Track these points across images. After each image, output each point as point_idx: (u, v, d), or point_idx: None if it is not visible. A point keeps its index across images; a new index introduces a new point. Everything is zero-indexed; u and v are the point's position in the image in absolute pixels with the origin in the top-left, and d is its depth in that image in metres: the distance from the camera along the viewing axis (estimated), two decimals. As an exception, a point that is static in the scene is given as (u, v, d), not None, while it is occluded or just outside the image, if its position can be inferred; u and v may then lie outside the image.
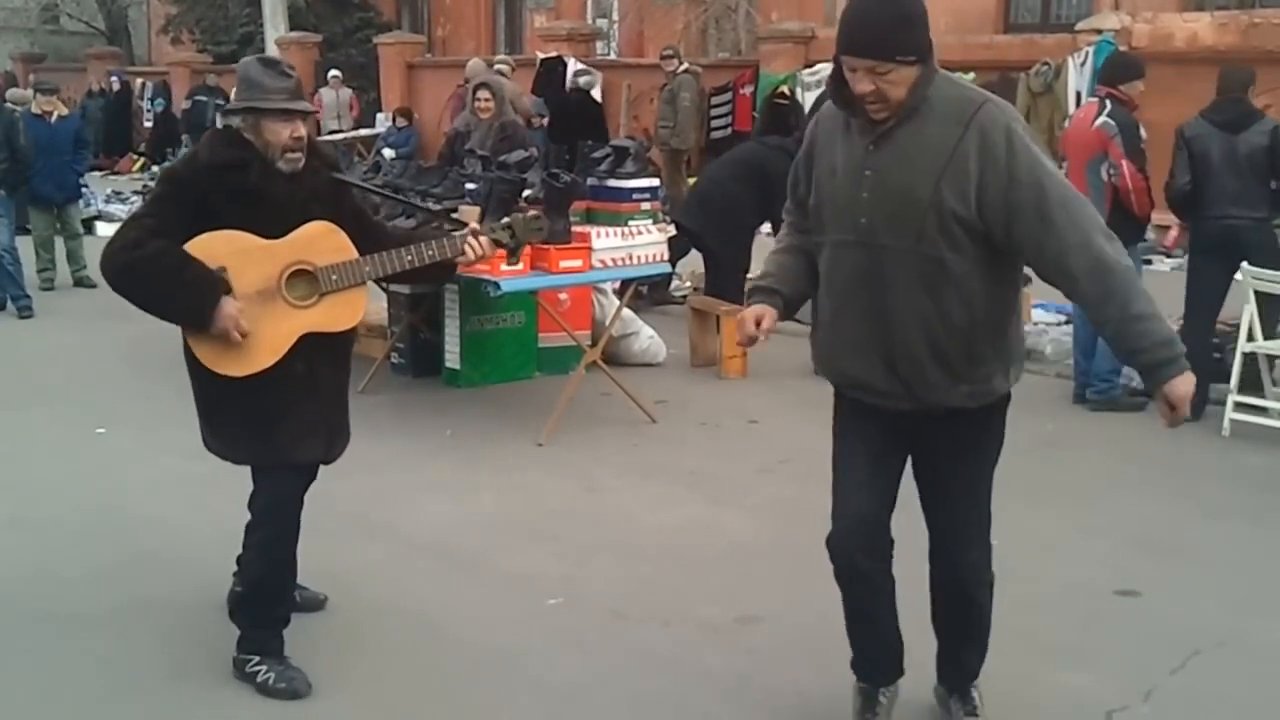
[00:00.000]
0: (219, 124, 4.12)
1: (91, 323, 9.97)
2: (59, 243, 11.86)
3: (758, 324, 3.49)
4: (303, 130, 4.03)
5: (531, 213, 4.59)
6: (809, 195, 3.50)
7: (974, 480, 3.58)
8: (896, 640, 3.76)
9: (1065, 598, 4.89)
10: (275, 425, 4.01)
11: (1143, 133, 7.39)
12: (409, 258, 4.16)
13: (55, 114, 11.79)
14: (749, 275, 3.39)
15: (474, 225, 4.41)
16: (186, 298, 3.85)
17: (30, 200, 11.63)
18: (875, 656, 3.78)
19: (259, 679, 4.07)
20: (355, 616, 4.66)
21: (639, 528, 5.63)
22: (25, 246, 11.01)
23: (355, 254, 4.08)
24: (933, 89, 3.24)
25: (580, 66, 16.93)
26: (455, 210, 7.19)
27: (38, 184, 11.43)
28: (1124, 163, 7.19)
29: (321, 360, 4.08)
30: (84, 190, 12.93)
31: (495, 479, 6.27)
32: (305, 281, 4.01)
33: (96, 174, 20.05)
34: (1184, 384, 3.15)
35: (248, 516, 4.16)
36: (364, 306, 4.21)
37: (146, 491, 5.96)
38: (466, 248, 4.24)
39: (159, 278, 3.83)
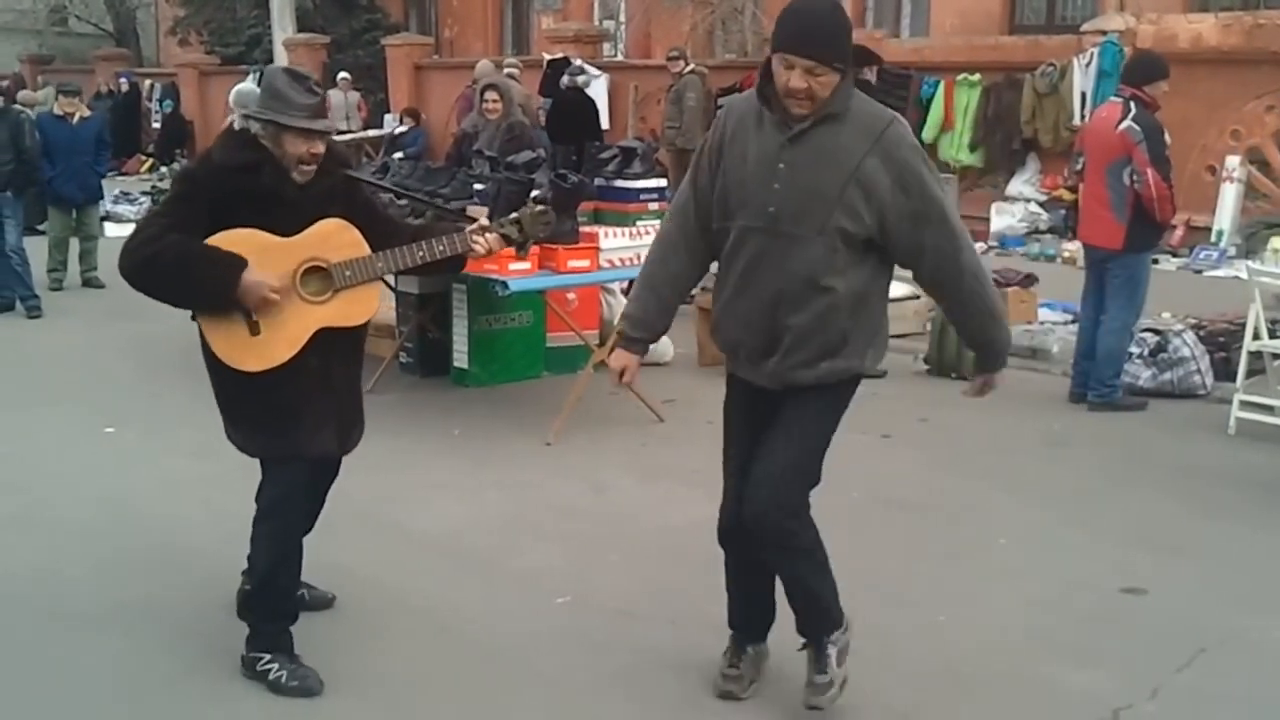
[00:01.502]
0: (236, 125, 4.15)
1: (100, 323, 10.01)
2: (73, 244, 11.91)
3: (624, 375, 3.97)
4: (321, 148, 4.07)
5: (539, 207, 4.60)
6: (712, 184, 3.73)
7: (803, 433, 3.80)
8: (769, 608, 4.11)
9: (1071, 596, 4.91)
10: (290, 419, 4.06)
11: (1167, 137, 7.38)
12: (420, 253, 4.20)
13: (78, 115, 11.86)
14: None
15: (483, 221, 4.44)
16: (210, 277, 3.90)
17: (52, 200, 11.71)
18: (739, 613, 4.16)
19: (271, 677, 4.08)
20: (363, 615, 4.68)
21: (647, 527, 5.65)
22: (33, 246, 11.04)
23: (368, 250, 4.13)
24: (853, 102, 3.58)
25: (576, 64, 16.87)
26: (463, 210, 7.21)
27: (59, 185, 11.51)
28: (1149, 171, 7.16)
29: (334, 355, 4.13)
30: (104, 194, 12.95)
31: (503, 478, 6.29)
32: (319, 278, 4.06)
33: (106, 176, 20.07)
34: (1001, 377, 3.88)
35: (255, 511, 4.19)
36: (377, 302, 4.25)
37: (155, 490, 5.99)
38: (475, 243, 4.28)
39: (179, 265, 3.88)
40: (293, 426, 4.07)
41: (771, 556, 3.88)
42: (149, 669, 4.27)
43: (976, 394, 3.96)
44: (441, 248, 4.24)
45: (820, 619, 3.93)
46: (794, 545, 3.81)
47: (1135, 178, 7.20)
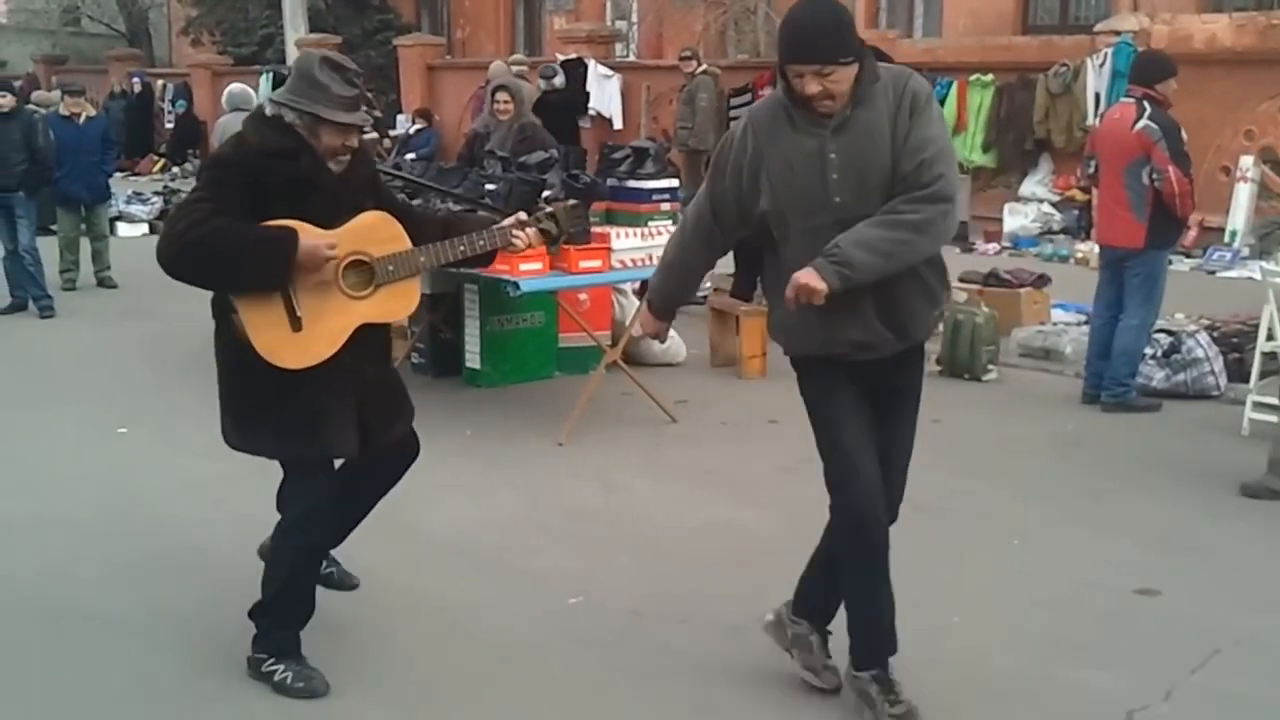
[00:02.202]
0: (267, 111, 3.99)
1: (113, 323, 10.04)
2: (84, 244, 11.93)
3: (656, 336, 4.20)
4: (355, 142, 4.01)
5: (571, 202, 4.56)
6: (754, 197, 3.75)
7: (913, 416, 3.95)
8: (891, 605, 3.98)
9: (1084, 597, 4.89)
10: (320, 419, 3.97)
11: (1184, 134, 7.37)
12: (461, 248, 4.13)
13: (83, 115, 11.90)
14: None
15: (521, 215, 4.33)
16: (267, 251, 3.80)
17: (59, 200, 11.75)
18: (889, 629, 3.94)
19: (276, 678, 4.07)
20: (375, 614, 4.68)
21: (659, 527, 5.64)
22: (46, 247, 11.07)
23: (409, 243, 4.05)
24: (879, 77, 3.66)
25: (546, 65, 16.68)
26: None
27: (66, 184, 11.53)
28: (1170, 168, 7.15)
29: (365, 352, 4.05)
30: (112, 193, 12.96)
31: (515, 479, 6.29)
32: (360, 272, 3.98)
33: (118, 175, 20.12)
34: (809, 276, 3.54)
35: (268, 515, 4.17)
36: (417, 297, 4.18)
37: (168, 491, 6.00)
38: (515, 238, 4.22)
39: (231, 245, 3.77)
40: (321, 427, 3.97)
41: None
42: (162, 669, 4.28)
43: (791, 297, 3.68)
44: (481, 242, 4.17)
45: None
46: None
47: (1156, 176, 7.18)
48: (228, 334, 3.95)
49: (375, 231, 4.01)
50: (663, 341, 4.50)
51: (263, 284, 3.85)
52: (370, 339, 4.05)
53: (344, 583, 4.68)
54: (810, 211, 3.67)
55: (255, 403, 4.00)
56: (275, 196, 3.85)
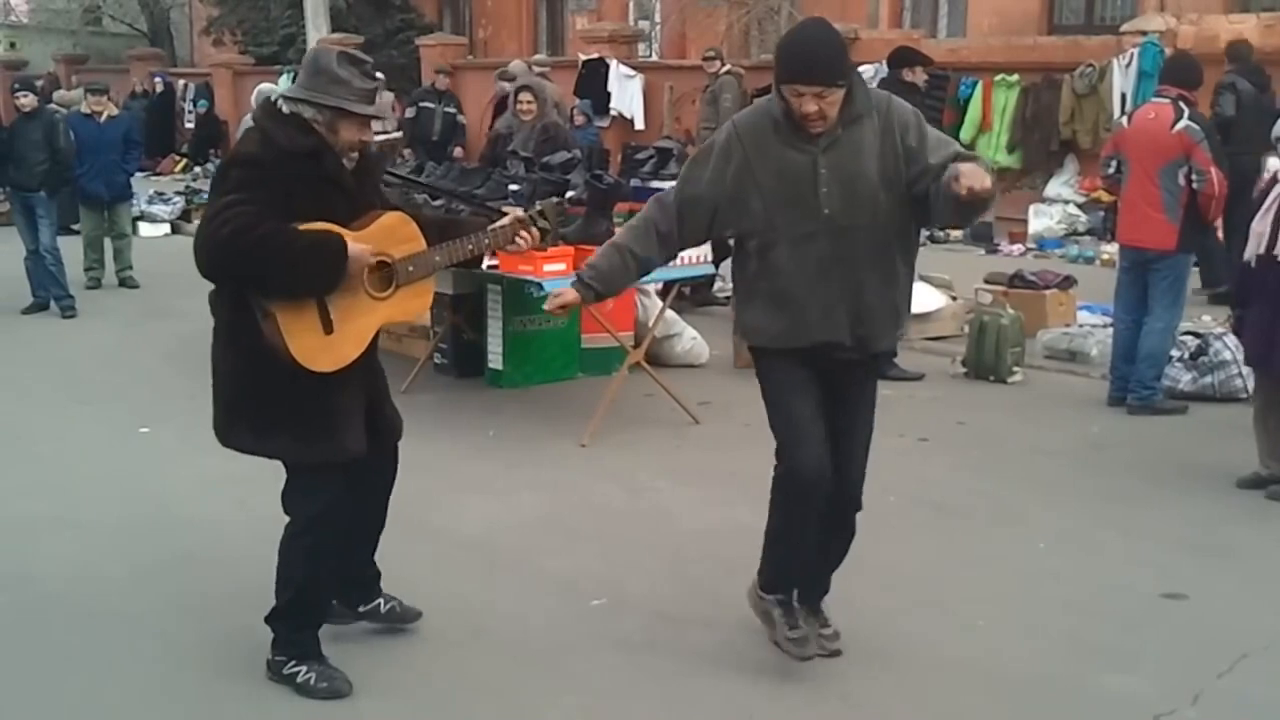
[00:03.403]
0: (284, 108, 3.95)
1: (135, 322, 10.07)
2: (106, 243, 11.97)
3: (564, 308, 4.22)
4: (371, 135, 4.05)
5: (553, 199, 4.68)
6: (734, 204, 4.00)
7: (868, 414, 4.22)
8: (813, 559, 4.29)
9: (1111, 600, 4.86)
10: (341, 420, 3.98)
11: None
12: (470, 246, 4.17)
13: (105, 114, 11.94)
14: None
15: (518, 214, 4.38)
16: (319, 257, 3.80)
17: (81, 199, 11.81)
18: (800, 568, 4.27)
19: (299, 680, 4.06)
20: (399, 615, 4.67)
21: (682, 529, 5.63)
22: (68, 247, 11.11)
23: (423, 244, 4.07)
24: (867, 99, 3.94)
25: (506, 68, 16.50)
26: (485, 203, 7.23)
27: (87, 183, 11.59)
28: (1213, 169, 7.11)
29: (374, 351, 4.11)
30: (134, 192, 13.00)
31: (538, 479, 6.28)
32: (381, 273, 4.00)
33: (140, 174, 20.20)
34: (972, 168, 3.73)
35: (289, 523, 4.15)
36: (431, 296, 4.23)
37: (190, 491, 6.01)
38: (520, 237, 4.25)
39: (283, 251, 3.75)
40: (337, 429, 3.97)
41: (847, 530, 4.27)
42: (184, 669, 4.28)
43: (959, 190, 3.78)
44: (488, 241, 4.23)
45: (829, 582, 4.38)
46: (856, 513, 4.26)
47: (1196, 177, 7.13)
48: (245, 338, 3.91)
49: (395, 232, 4.04)
50: (563, 318, 4.61)
51: (314, 289, 3.86)
52: (376, 338, 4.12)
53: (406, 616, 4.53)
54: (799, 220, 3.93)
55: (272, 406, 3.97)
56: (303, 195, 3.85)
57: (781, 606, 4.24)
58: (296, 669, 4.08)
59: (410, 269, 4.03)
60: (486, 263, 6.95)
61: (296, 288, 3.83)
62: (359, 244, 3.88)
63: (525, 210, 4.43)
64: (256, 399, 3.99)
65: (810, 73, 3.81)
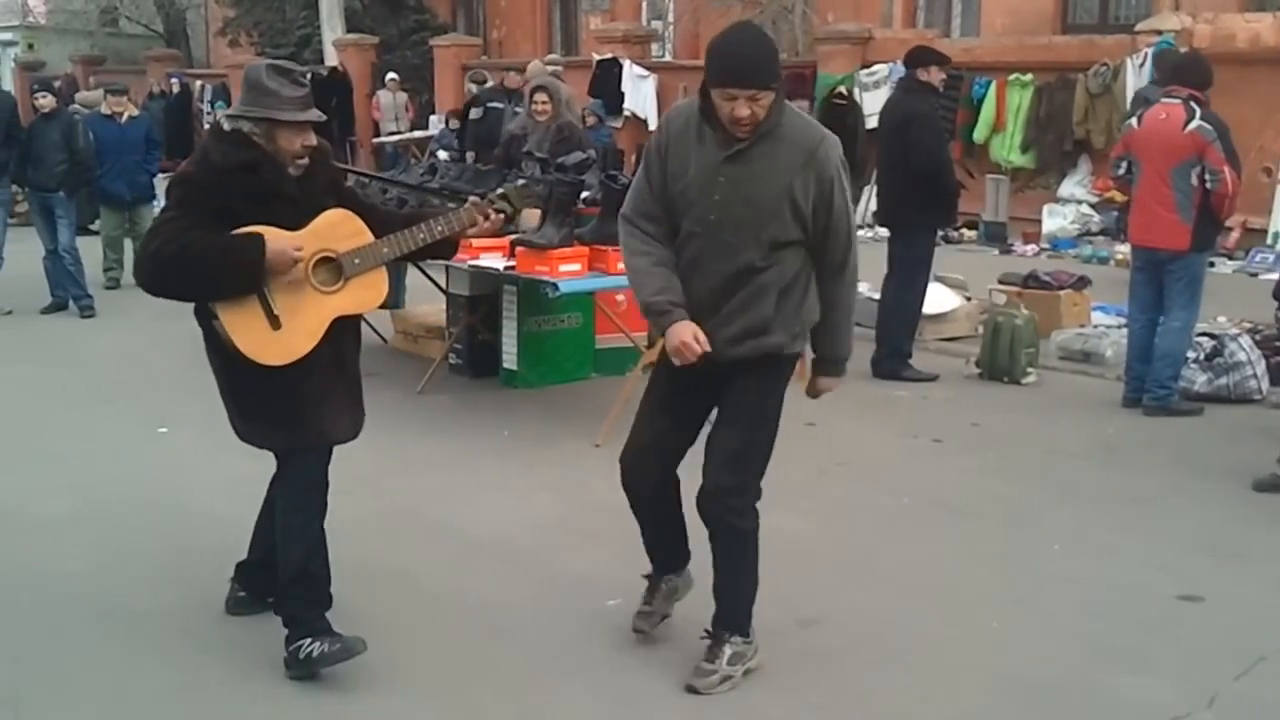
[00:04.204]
0: (225, 125, 4.14)
1: (153, 322, 10.06)
2: (126, 243, 12.04)
3: (698, 340, 3.97)
4: (313, 139, 4.15)
5: (520, 181, 4.79)
6: (662, 183, 4.04)
7: (747, 416, 4.12)
8: (671, 546, 4.41)
9: (1127, 602, 4.85)
10: (313, 409, 4.14)
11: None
12: (422, 235, 4.30)
13: (126, 115, 12.03)
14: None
15: (474, 199, 4.54)
16: (239, 259, 3.96)
17: (102, 199, 11.91)
18: (651, 552, 4.45)
19: (313, 654, 4.11)
20: (415, 615, 4.70)
21: (696, 529, 5.62)
22: (86, 247, 11.16)
23: (371, 237, 4.21)
24: (785, 116, 3.91)
25: (473, 70, 16.36)
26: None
27: (108, 183, 11.68)
28: (1225, 169, 7.10)
29: (343, 342, 4.23)
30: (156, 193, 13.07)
31: (553, 480, 6.30)
32: (329, 268, 4.14)
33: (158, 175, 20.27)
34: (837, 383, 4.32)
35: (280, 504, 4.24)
36: (386, 286, 4.33)
37: (208, 490, 6.03)
38: (475, 217, 4.37)
39: (206, 257, 3.94)
40: (315, 416, 4.14)
41: (719, 532, 4.17)
42: (205, 668, 4.30)
43: (814, 395, 4.39)
44: (440, 227, 4.33)
45: (731, 614, 4.22)
46: (737, 526, 4.15)
47: (1210, 177, 7.11)
48: (214, 340, 4.14)
49: (338, 228, 4.18)
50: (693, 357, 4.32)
51: (238, 290, 4.02)
52: (345, 328, 4.22)
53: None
54: (690, 215, 3.99)
55: (252, 400, 4.19)
56: (242, 209, 4.01)
57: (648, 579, 4.49)
58: (310, 646, 4.13)
59: (356, 261, 4.16)
60: (504, 263, 6.99)
61: (222, 290, 4.02)
62: (279, 239, 3.99)
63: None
64: (234, 394, 4.25)
65: (745, 75, 3.82)
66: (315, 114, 4.13)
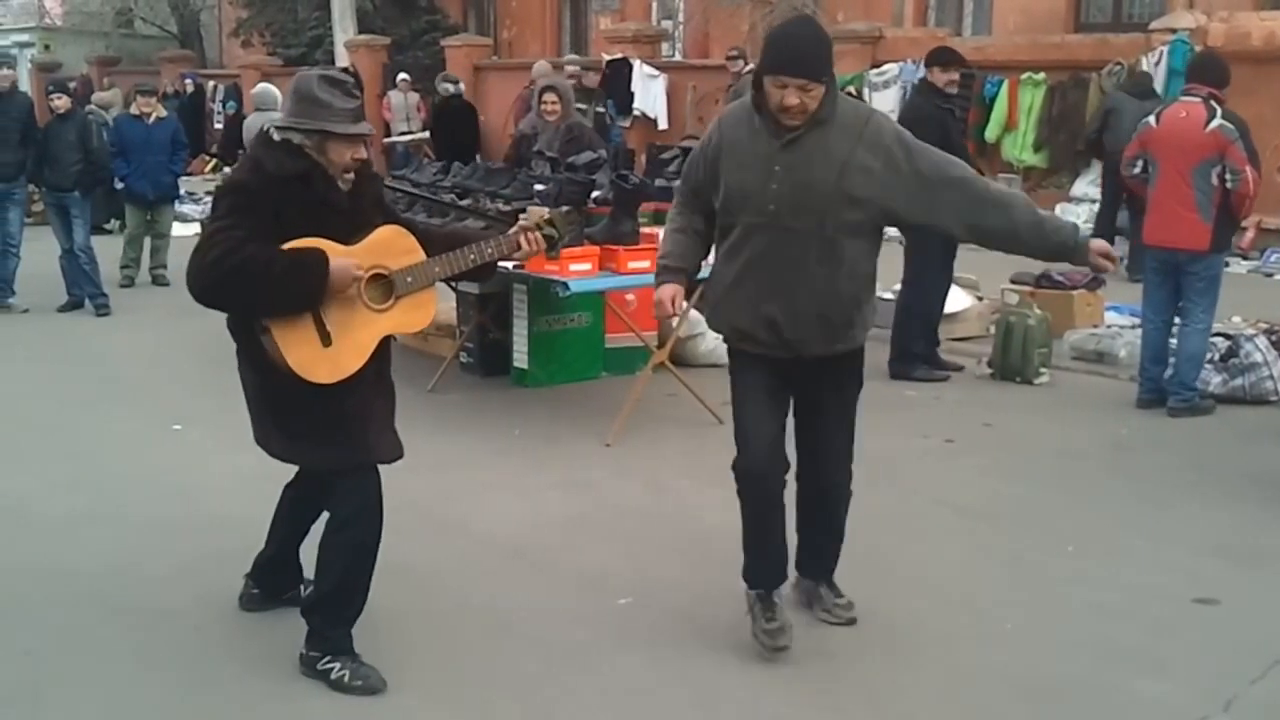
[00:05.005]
0: (274, 136, 4.04)
1: (168, 320, 10.11)
2: (145, 242, 12.15)
3: (673, 303, 4.27)
4: (364, 153, 4.08)
5: (565, 208, 4.80)
6: (712, 186, 4.20)
7: (840, 409, 4.37)
8: (786, 549, 4.44)
9: (1142, 605, 4.83)
10: (359, 427, 4.06)
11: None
12: (472, 256, 4.24)
13: (153, 115, 12.13)
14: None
15: (523, 221, 4.49)
16: (302, 276, 3.87)
17: (126, 197, 12.04)
18: (772, 564, 4.40)
19: (333, 676, 4.09)
20: (425, 614, 4.69)
21: (707, 528, 5.61)
22: (102, 245, 11.19)
23: (423, 255, 4.14)
24: (838, 108, 4.03)
25: (444, 73, 16.34)
26: (512, 210, 7.24)
27: (133, 182, 11.84)
28: (1248, 169, 7.07)
29: (383, 360, 4.17)
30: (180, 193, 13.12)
31: (563, 479, 6.29)
32: (380, 285, 4.06)
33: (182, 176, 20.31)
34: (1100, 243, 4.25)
35: (320, 515, 4.20)
36: (434, 308, 4.28)
37: (223, 488, 6.04)
38: (522, 242, 4.32)
39: (266, 271, 3.83)
40: (362, 434, 4.06)
41: (836, 511, 4.52)
42: (218, 665, 4.30)
43: (1098, 273, 4.49)
44: (490, 250, 4.28)
45: (838, 557, 4.61)
46: (847, 499, 4.51)
47: (1231, 176, 7.08)
48: (258, 354, 4.02)
49: (392, 245, 4.11)
50: (678, 315, 4.63)
51: (298, 305, 3.93)
52: (385, 349, 4.17)
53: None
54: (751, 209, 4.09)
55: (297, 418, 4.08)
56: (293, 220, 3.93)
57: (760, 601, 4.36)
58: (330, 665, 4.11)
59: (409, 280, 4.09)
60: (514, 262, 6.97)
61: (282, 305, 3.92)
62: (342, 258, 3.93)
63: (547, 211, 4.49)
64: (275, 413, 4.13)
65: (799, 64, 3.92)
66: (367, 126, 4.07)
